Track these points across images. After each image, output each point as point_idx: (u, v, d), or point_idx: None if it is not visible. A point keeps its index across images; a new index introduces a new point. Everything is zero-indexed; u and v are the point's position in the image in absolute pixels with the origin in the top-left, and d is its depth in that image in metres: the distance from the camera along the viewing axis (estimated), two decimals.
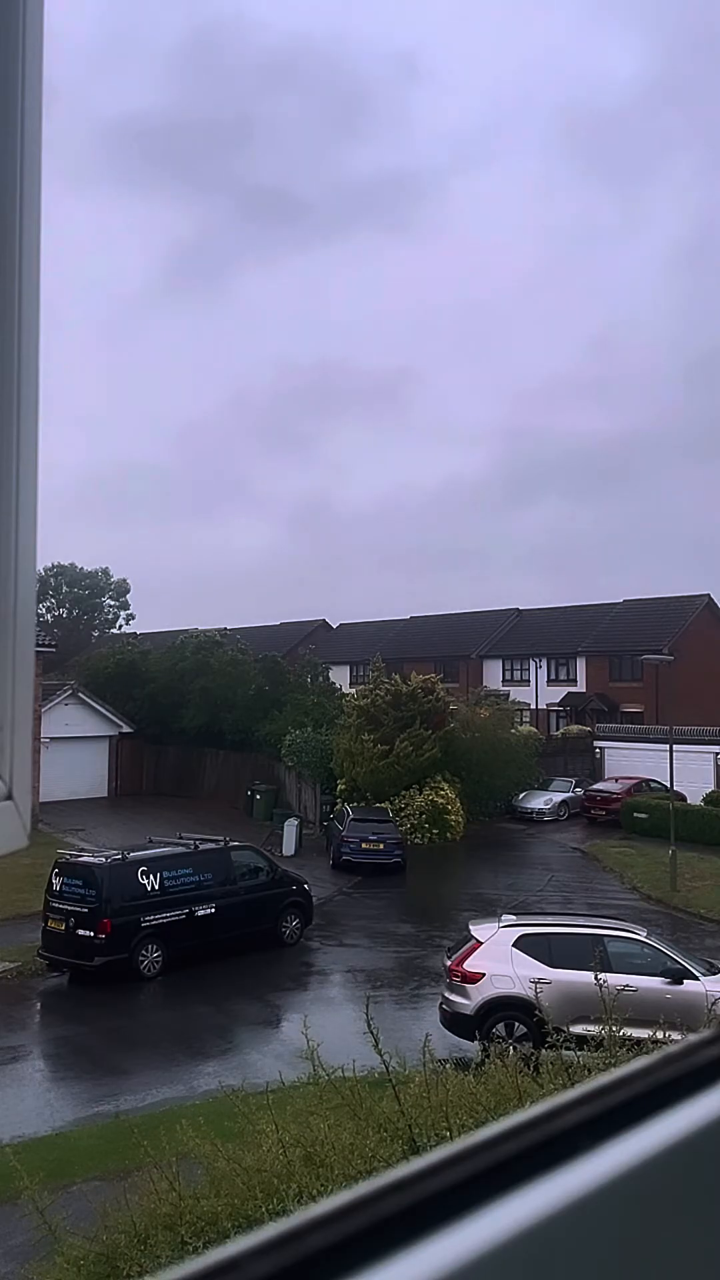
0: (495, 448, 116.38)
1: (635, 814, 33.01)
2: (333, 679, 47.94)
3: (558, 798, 36.68)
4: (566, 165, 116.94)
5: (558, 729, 47.75)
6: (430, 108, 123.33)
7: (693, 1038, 0.78)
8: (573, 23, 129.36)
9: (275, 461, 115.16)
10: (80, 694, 39.55)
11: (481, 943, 13.81)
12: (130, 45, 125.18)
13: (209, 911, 18.70)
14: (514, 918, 14.88)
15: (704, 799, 33.39)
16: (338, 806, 31.34)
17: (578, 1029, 7.42)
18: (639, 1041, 6.76)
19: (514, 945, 13.59)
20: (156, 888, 18.14)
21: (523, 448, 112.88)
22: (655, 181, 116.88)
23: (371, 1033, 6.05)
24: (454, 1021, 13.53)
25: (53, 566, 66.75)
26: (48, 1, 0.81)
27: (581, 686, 50.99)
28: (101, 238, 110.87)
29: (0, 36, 0.78)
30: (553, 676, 52.43)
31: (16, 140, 0.79)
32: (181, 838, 20.48)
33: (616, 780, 37.20)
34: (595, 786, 36.91)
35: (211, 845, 19.79)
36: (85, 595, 69.01)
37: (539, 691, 51.89)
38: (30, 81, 0.80)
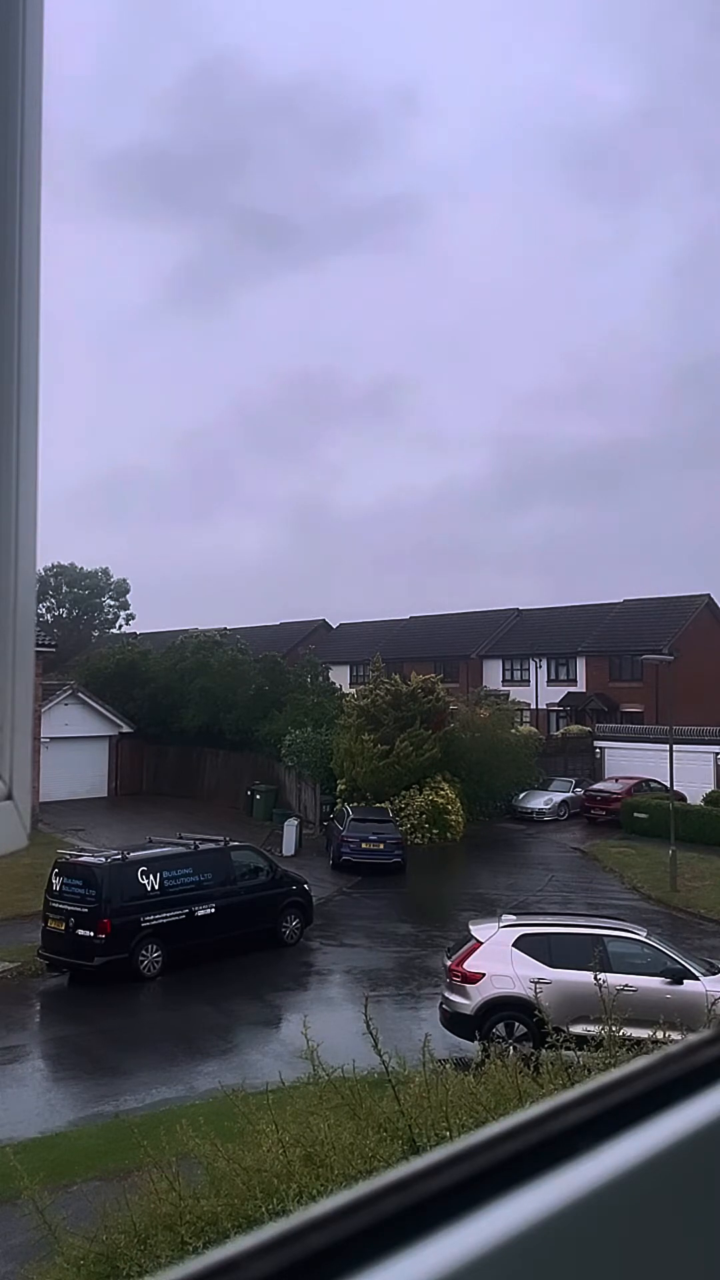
0: (491, 453, 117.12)
1: (635, 814, 33.00)
2: (333, 679, 47.93)
3: (558, 798, 36.67)
4: (560, 184, 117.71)
5: (558, 729, 47.75)
6: (426, 134, 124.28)
7: (693, 1038, 0.78)
8: (566, 50, 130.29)
9: (274, 466, 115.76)
10: (80, 694, 39.54)
11: (481, 943, 13.81)
12: (131, 81, 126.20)
13: (209, 911, 18.70)
14: (514, 918, 14.88)
15: (704, 799, 33.37)
16: (338, 806, 31.33)
17: (578, 1029, 7.42)
18: (639, 1041, 6.76)
19: (514, 945, 13.59)
20: (156, 888, 18.14)
21: (519, 453, 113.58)
22: (647, 199, 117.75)
23: (371, 1033, 6.04)
24: (454, 1021, 13.53)
25: (53, 566, 66.67)
26: (47, 36, 0.82)
27: (581, 686, 50.98)
28: (103, 259, 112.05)
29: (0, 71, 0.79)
30: (553, 676, 52.43)
31: (16, 167, 0.80)
32: (181, 838, 20.48)
33: (616, 780, 37.19)
34: (595, 786, 36.90)
35: (211, 845, 19.79)
36: (85, 595, 68.92)
37: (539, 691, 51.88)
38: (30, 114, 0.81)
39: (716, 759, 36.79)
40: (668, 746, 27.93)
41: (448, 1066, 7.35)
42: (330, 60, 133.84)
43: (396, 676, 34.91)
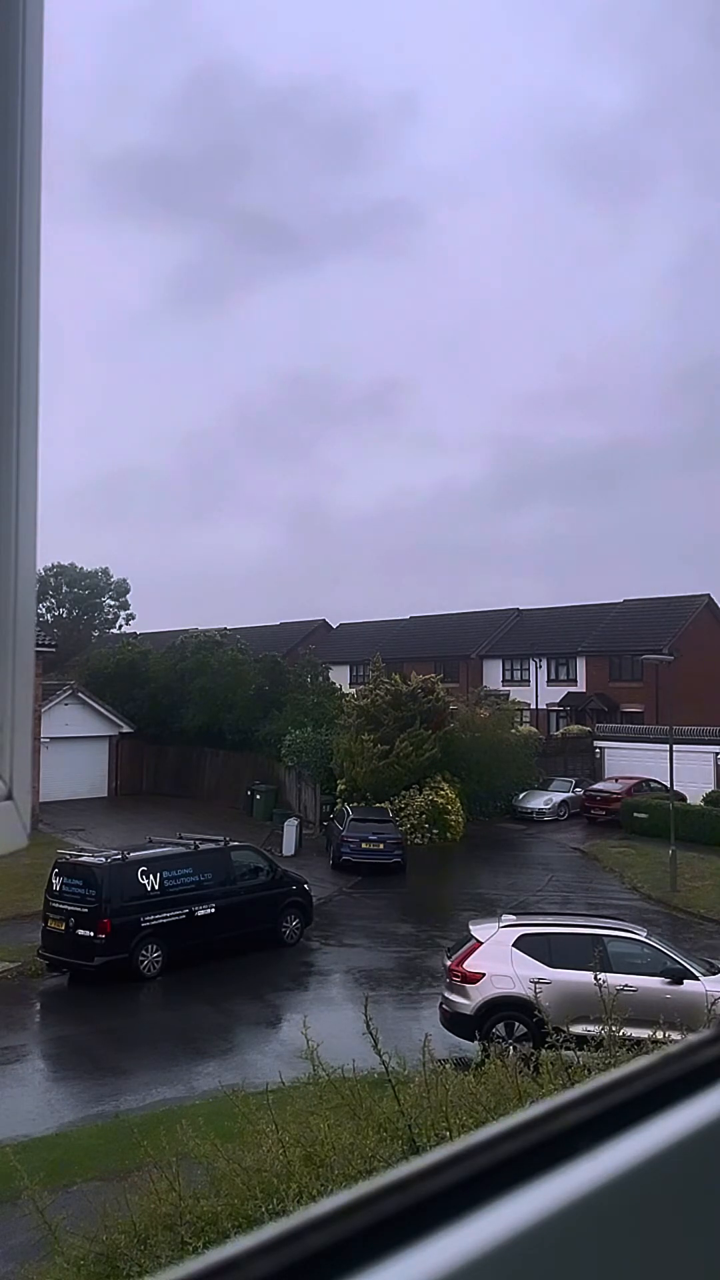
0: (491, 454, 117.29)
1: (635, 814, 33.00)
2: (333, 679, 47.90)
3: (558, 798, 36.67)
4: (559, 187, 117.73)
5: (558, 729, 47.75)
6: (425, 138, 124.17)
7: (693, 1038, 0.78)
8: (564, 54, 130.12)
9: (274, 467, 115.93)
10: (80, 694, 39.51)
11: (481, 943, 13.81)
12: (131, 85, 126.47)
13: (209, 911, 18.70)
14: (514, 918, 14.88)
15: (704, 799, 33.39)
16: (338, 806, 31.32)
17: (578, 1029, 7.42)
18: (639, 1041, 6.76)
19: (514, 945, 13.59)
20: (156, 888, 18.14)
21: (518, 454, 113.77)
22: (646, 202, 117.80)
23: (371, 1033, 6.04)
24: (454, 1021, 13.53)
25: (53, 566, 66.67)
26: (48, 40, 0.82)
27: (581, 686, 50.98)
28: (103, 262, 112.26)
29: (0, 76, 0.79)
30: (553, 676, 52.42)
31: (16, 169, 0.80)
32: (181, 838, 20.47)
33: (616, 780, 37.19)
34: (595, 786, 36.90)
35: (211, 845, 19.79)
36: (85, 595, 68.91)
37: (539, 691, 51.88)
38: (30, 117, 0.81)
39: (716, 759, 36.78)
40: (668, 746, 27.93)
41: (448, 1066, 7.35)
42: (330, 65, 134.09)
43: (396, 676, 34.89)
